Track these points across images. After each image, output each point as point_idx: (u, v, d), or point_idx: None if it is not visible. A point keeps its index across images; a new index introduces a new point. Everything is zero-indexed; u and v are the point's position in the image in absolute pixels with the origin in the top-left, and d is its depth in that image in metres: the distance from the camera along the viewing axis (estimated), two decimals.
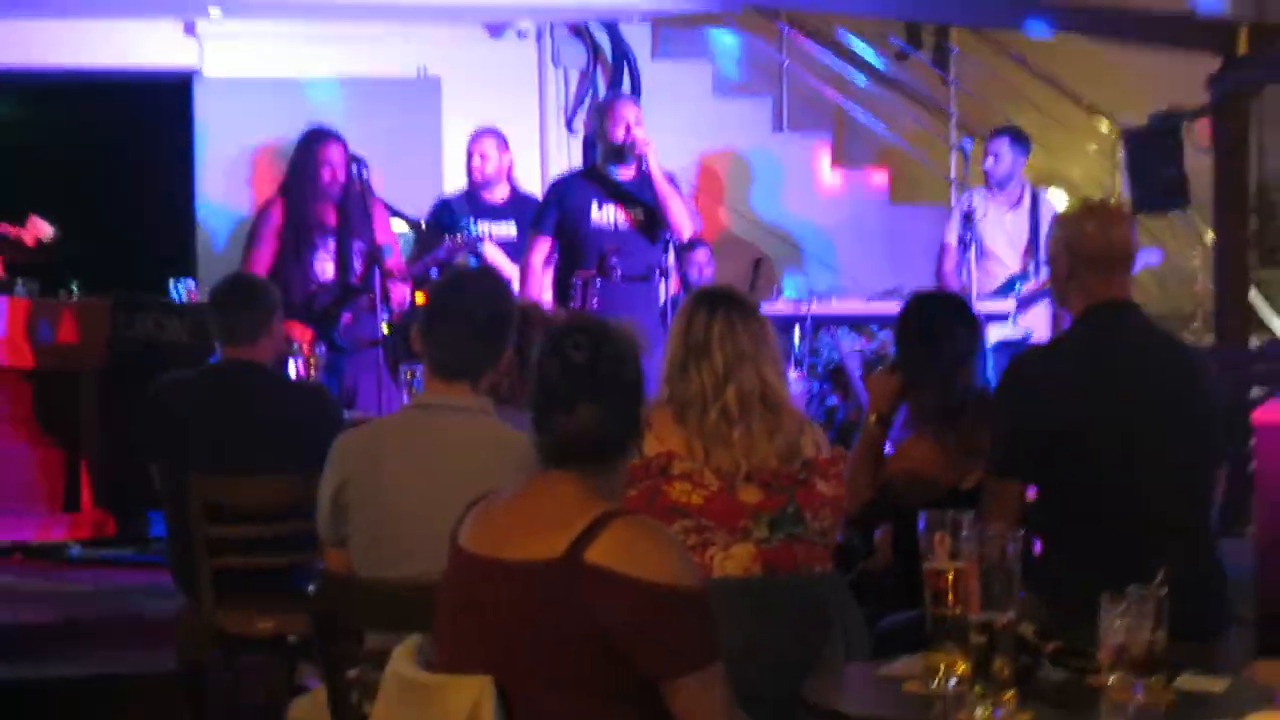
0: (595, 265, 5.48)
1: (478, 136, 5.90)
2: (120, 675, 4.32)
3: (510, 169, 5.97)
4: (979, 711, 1.93)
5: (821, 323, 5.95)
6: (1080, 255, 2.93)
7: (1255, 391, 5.15)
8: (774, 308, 5.81)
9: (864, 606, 3.02)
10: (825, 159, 7.48)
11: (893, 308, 4.57)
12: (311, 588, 2.54)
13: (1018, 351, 4.29)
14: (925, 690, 2.03)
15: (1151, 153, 6.04)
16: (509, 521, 1.93)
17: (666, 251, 5.44)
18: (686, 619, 1.82)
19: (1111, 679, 1.98)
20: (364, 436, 2.93)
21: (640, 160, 5.38)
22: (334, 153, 5.33)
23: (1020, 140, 6.02)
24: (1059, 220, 3.33)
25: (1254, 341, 6.13)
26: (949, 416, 3.44)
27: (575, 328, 1.99)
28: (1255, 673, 2.62)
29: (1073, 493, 2.85)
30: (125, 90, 7.12)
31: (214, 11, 6.36)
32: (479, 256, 5.74)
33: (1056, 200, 6.59)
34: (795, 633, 2.58)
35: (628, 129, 5.39)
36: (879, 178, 7.56)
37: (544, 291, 5.75)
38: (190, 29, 6.68)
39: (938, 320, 3.65)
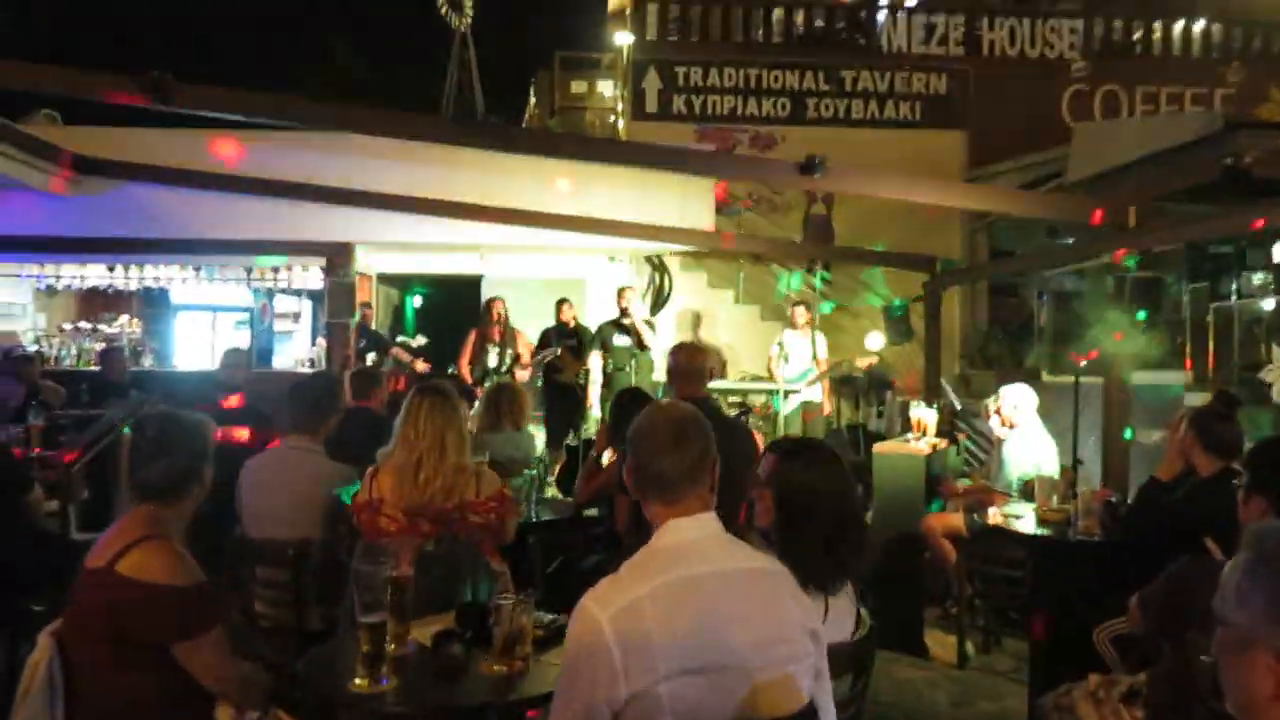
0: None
1: (562, 302, 9.50)
2: None
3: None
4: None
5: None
6: (676, 371, 3.71)
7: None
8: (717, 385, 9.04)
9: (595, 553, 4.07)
10: (758, 314, 11.34)
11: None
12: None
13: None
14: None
15: (895, 317, 9.39)
16: (104, 539, 2.23)
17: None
18: (178, 606, 2.13)
19: (499, 651, 2.33)
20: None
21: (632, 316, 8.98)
22: (500, 304, 9.01)
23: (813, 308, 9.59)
24: (670, 350, 3.96)
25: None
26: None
27: (148, 416, 2.31)
28: None
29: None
30: (459, 281, 11.46)
31: (486, 253, 10.60)
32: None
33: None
34: (445, 576, 2.96)
35: (628, 303, 9.06)
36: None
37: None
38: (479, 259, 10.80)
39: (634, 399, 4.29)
